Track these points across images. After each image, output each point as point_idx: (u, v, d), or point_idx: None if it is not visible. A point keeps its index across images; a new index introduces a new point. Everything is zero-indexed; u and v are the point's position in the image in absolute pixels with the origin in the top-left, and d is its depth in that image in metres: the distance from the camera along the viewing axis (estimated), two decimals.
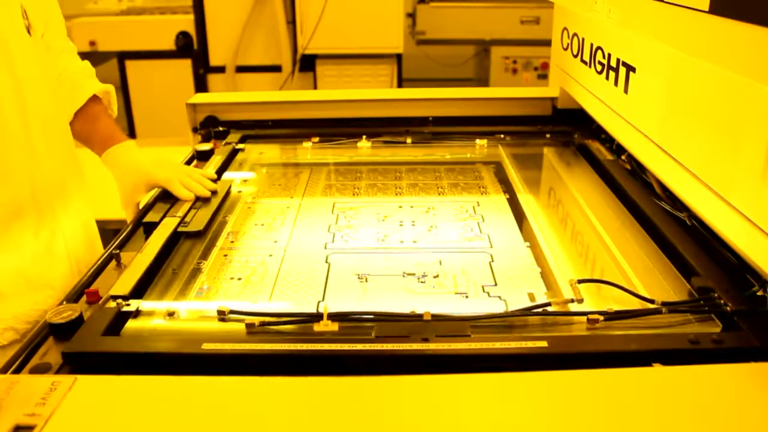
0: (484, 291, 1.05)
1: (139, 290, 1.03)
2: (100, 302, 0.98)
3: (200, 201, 1.35)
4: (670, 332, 0.92)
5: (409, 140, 1.75)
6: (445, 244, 1.22)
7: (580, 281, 1.04)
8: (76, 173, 1.35)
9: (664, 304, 0.95)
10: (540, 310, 0.96)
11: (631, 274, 1.10)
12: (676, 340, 0.88)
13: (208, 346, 0.85)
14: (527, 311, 0.96)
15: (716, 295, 0.96)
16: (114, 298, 0.99)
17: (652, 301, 0.97)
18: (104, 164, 1.41)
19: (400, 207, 1.38)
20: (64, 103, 1.37)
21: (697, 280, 1.00)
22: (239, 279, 1.10)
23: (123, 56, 3.92)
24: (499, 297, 1.03)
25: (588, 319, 0.92)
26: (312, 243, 1.23)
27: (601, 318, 0.92)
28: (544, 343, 0.85)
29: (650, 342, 0.87)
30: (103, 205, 1.53)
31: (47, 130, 1.23)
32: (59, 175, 1.27)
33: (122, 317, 0.96)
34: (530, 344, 0.85)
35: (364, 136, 1.75)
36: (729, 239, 0.98)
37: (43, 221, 1.22)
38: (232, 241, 1.24)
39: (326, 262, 1.16)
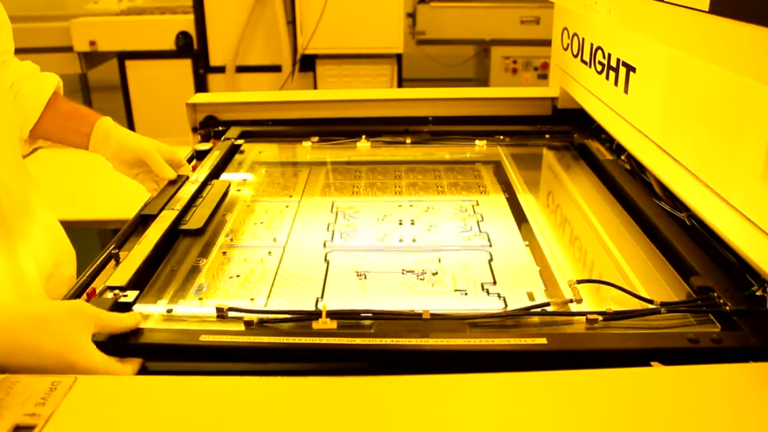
0: (483, 289, 1.05)
1: (138, 286, 1.02)
2: (97, 292, 0.98)
3: (200, 198, 1.35)
4: (669, 331, 0.92)
5: (408, 140, 1.75)
6: (445, 243, 1.22)
7: (579, 281, 1.04)
8: (34, 186, 1.27)
9: (663, 304, 0.95)
10: (539, 309, 0.96)
11: (631, 273, 1.10)
12: (676, 339, 0.88)
13: (206, 338, 0.86)
14: (526, 311, 0.96)
15: (716, 294, 0.96)
16: (111, 288, 0.99)
17: (651, 302, 0.97)
18: (93, 139, 1.35)
19: (400, 206, 1.38)
20: (29, 102, 1.31)
21: (697, 279, 1.00)
22: (238, 277, 1.10)
23: (123, 56, 3.92)
24: (498, 295, 1.03)
25: (587, 319, 0.92)
26: (311, 241, 1.23)
27: (600, 318, 0.92)
28: (543, 340, 0.85)
29: (649, 341, 0.87)
30: (103, 205, 1.53)
31: (3, 144, 1.14)
32: (22, 190, 1.18)
33: (119, 308, 0.96)
34: (529, 341, 0.85)
35: (363, 136, 1.75)
36: (729, 239, 0.98)
37: (10, 242, 1.12)
38: (232, 240, 1.24)
39: (325, 260, 1.16)
